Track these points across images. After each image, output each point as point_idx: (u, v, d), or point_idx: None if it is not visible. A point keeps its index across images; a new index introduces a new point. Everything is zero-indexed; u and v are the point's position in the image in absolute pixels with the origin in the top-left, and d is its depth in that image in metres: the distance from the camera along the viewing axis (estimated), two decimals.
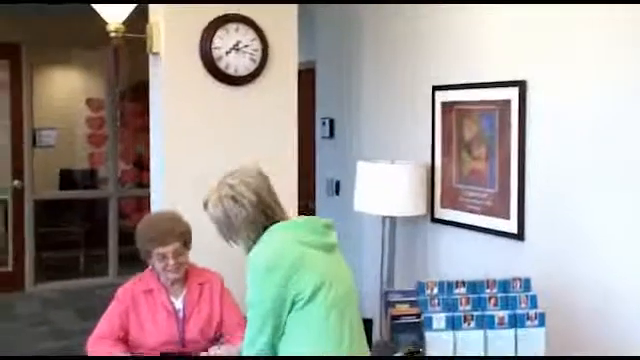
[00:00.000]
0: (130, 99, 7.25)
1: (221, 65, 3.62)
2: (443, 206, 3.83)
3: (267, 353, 2.14)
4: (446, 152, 3.79)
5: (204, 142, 3.68)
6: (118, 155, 7.07)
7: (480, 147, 3.57)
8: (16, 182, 6.38)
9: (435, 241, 3.88)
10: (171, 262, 2.73)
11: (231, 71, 3.65)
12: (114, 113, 6.95)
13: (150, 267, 2.83)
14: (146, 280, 2.83)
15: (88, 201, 7.64)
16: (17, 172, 6.40)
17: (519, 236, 3.33)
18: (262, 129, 3.81)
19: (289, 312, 2.10)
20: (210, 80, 3.65)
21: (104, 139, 7.02)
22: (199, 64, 3.62)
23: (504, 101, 3.40)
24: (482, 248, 3.56)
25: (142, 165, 7.38)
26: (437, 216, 3.87)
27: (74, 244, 7.39)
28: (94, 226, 7.45)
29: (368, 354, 2.22)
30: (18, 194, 6.43)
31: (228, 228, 2.22)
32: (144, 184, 7.27)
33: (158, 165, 3.78)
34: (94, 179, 8.01)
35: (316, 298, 2.09)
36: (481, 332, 2.49)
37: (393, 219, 3.81)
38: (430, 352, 2.46)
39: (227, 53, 3.62)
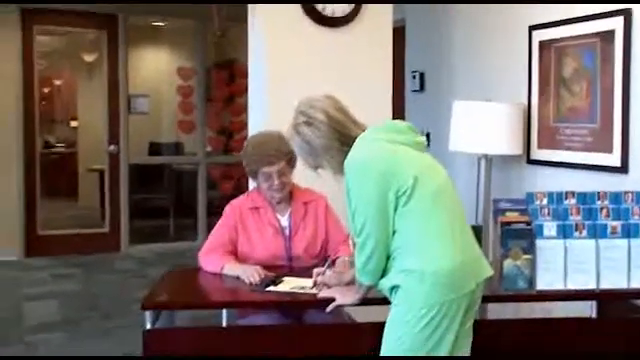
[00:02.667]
0: (217, 70, 7.46)
1: (318, 6, 3.70)
2: (540, 146, 3.80)
3: (378, 256, 2.16)
4: (543, 91, 3.75)
5: (303, 84, 3.74)
6: (206, 123, 7.27)
7: (580, 83, 3.52)
8: (112, 147, 6.66)
9: (532, 182, 3.84)
10: (276, 182, 2.81)
11: (328, 12, 3.72)
12: (203, 82, 7.16)
13: (257, 186, 2.93)
14: (253, 198, 2.93)
15: (177, 171, 7.90)
16: (113, 137, 6.68)
17: (622, 169, 3.27)
18: (358, 74, 3.86)
19: (395, 210, 2.14)
20: (307, 21, 3.73)
21: (193, 107, 7.25)
22: (296, 5, 3.70)
23: (607, 32, 3.34)
24: (582, 184, 3.48)
25: (228, 133, 7.59)
26: (533, 157, 3.83)
27: (164, 212, 7.65)
28: (183, 195, 7.70)
29: (477, 246, 2.23)
30: (114, 159, 6.72)
31: (310, 154, 2.31)
32: (231, 151, 7.48)
33: (258, 107, 3.88)
34: (180, 151, 8.27)
35: (418, 189, 2.13)
36: (593, 241, 2.46)
37: (489, 160, 3.80)
38: (540, 259, 2.46)
39: None
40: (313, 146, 2.28)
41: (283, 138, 2.82)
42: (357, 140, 2.24)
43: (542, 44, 3.75)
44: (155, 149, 8.33)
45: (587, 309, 2.50)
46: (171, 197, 7.80)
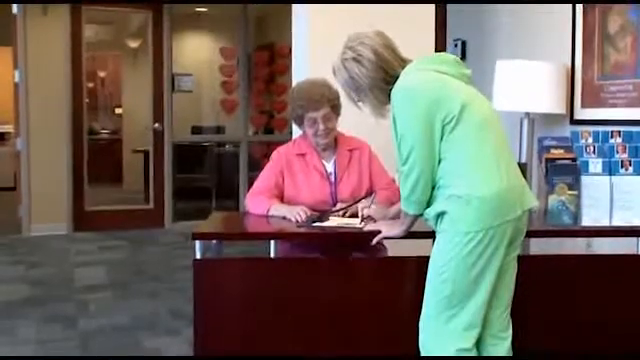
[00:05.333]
0: (258, 50, 7.57)
1: None
2: (583, 106, 3.78)
3: (424, 183, 2.17)
4: (587, 50, 3.73)
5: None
6: (248, 102, 7.38)
7: (625, 38, 3.51)
8: (156, 125, 6.82)
9: None
10: (321, 127, 2.86)
11: None
12: (245, 62, 7.27)
13: (302, 133, 2.99)
14: (299, 144, 2.99)
15: (219, 153, 8.03)
16: (157, 116, 6.83)
17: None
18: (400, 44, 3.86)
19: (441, 138, 2.16)
20: None
21: (235, 86, 7.37)
22: None
23: None
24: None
25: (270, 113, 7.69)
26: (577, 117, 3.82)
27: (206, 192, 7.77)
28: (224, 177, 7.82)
29: (522, 176, 2.24)
30: (158, 139, 6.87)
31: (354, 89, 2.35)
32: (273, 130, 7.58)
33: (301, 69, 3.93)
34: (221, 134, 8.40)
35: (465, 117, 2.15)
36: (639, 178, 2.46)
37: (531, 119, 3.80)
38: (585, 195, 2.46)
39: None
40: (358, 82, 2.33)
41: (328, 85, 2.88)
42: (404, 70, 2.27)
43: (586, 3, 3.74)
44: (197, 133, 8.47)
45: (632, 246, 2.48)
46: (213, 179, 7.93)
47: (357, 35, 2.37)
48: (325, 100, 2.86)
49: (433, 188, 2.22)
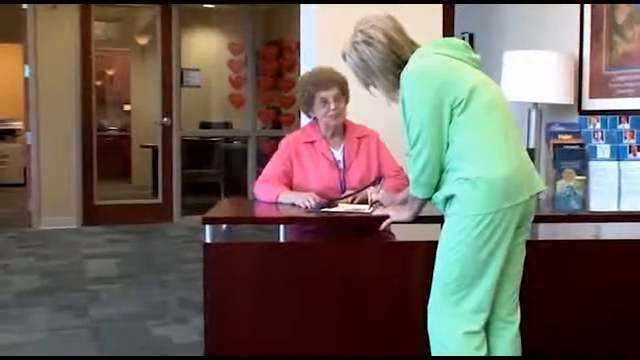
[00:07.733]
0: (266, 46, 7.59)
1: None
2: (591, 96, 3.78)
3: (432, 166, 2.18)
4: (595, 40, 3.73)
5: None
6: (256, 97, 7.41)
7: (634, 27, 3.50)
8: (165, 119, 6.86)
9: None
10: (332, 106, 2.87)
11: None
12: (253, 57, 7.30)
13: (311, 121, 3.01)
14: (308, 132, 3.00)
15: (227, 149, 8.06)
16: (166, 110, 6.87)
17: None
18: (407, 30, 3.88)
19: (450, 121, 2.17)
20: None
21: (244, 81, 7.39)
22: None
23: None
24: None
25: (277, 109, 7.71)
26: (585, 107, 3.82)
27: (214, 188, 7.80)
28: (233, 173, 7.85)
29: (530, 161, 2.25)
30: (167, 133, 6.91)
31: (365, 72, 2.36)
32: (281, 125, 7.60)
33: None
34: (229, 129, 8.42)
35: (473, 100, 2.16)
36: None
37: (539, 110, 3.80)
38: (593, 180, 2.47)
39: None
40: (369, 65, 2.34)
41: (337, 72, 2.90)
42: (414, 54, 2.29)
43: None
44: (205, 128, 8.49)
45: None
46: (221, 174, 7.96)
47: (368, 18, 2.38)
48: (335, 83, 2.88)
49: (442, 172, 2.23)
